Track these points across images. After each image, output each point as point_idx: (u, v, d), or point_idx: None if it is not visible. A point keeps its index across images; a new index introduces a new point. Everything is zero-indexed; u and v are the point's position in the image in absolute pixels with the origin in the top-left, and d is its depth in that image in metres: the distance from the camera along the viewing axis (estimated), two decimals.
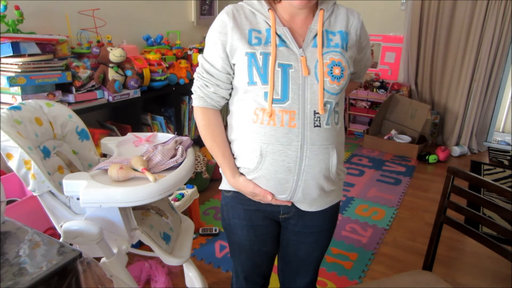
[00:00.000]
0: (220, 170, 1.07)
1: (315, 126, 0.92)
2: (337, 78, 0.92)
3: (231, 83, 1.00)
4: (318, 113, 0.92)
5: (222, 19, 0.95)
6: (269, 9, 0.95)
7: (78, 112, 1.55)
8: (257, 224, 1.11)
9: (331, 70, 0.92)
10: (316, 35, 0.94)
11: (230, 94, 1.03)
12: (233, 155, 1.04)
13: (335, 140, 0.97)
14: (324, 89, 0.91)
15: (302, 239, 1.13)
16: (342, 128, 1.02)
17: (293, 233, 1.13)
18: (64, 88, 1.93)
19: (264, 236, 1.14)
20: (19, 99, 1.72)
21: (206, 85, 0.99)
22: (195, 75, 1.03)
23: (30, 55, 1.75)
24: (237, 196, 1.08)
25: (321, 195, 1.01)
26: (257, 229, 1.12)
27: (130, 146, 1.41)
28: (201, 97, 1.01)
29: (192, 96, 1.05)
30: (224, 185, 1.11)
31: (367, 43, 1.06)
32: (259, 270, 1.24)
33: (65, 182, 1.08)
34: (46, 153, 1.28)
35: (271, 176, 0.95)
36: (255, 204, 1.07)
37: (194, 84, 1.03)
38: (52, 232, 1.65)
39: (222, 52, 0.95)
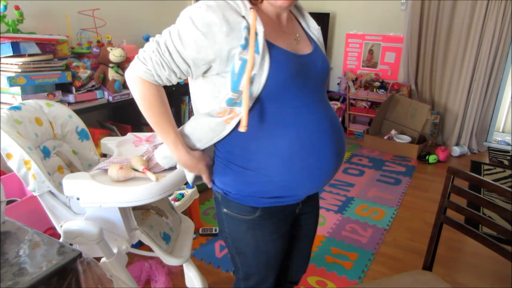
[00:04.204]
0: (165, 152, 1.06)
1: None
2: None
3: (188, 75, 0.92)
4: None
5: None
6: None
7: (78, 112, 1.55)
8: (284, 229, 1.05)
9: None
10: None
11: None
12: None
13: None
14: None
15: (306, 232, 1.16)
16: None
17: (301, 227, 1.15)
18: (64, 88, 1.93)
19: (287, 239, 1.09)
20: (19, 99, 1.72)
21: (162, 66, 0.87)
22: (150, 45, 0.88)
23: (30, 55, 1.75)
24: (267, 211, 0.98)
25: None
26: (285, 236, 1.06)
27: (130, 146, 1.41)
28: (149, 72, 0.88)
29: (135, 61, 0.89)
30: (243, 209, 0.99)
31: None
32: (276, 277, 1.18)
33: (65, 182, 1.08)
34: (46, 153, 1.28)
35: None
36: (283, 209, 1.00)
37: (145, 53, 0.88)
38: (52, 232, 1.65)
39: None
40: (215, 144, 0.97)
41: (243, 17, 0.83)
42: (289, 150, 0.89)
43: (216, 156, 0.99)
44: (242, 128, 0.85)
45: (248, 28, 0.82)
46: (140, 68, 0.88)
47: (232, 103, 0.87)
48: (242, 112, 0.85)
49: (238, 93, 0.85)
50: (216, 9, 0.81)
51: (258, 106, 0.88)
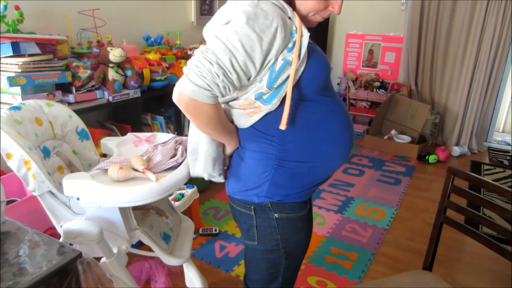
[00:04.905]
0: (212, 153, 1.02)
1: None
2: None
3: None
4: None
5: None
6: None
7: (78, 112, 1.55)
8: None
9: None
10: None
11: None
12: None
13: None
14: None
15: None
16: None
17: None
18: (64, 88, 1.92)
19: None
20: (19, 99, 1.72)
21: (229, 89, 0.85)
22: (211, 69, 0.81)
23: (30, 55, 1.75)
24: (309, 201, 1.08)
25: None
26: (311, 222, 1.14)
27: (130, 146, 1.41)
28: (214, 96, 0.84)
29: (194, 88, 0.81)
30: (298, 206, 1.02)
31: None
32: None
33: (65, 182, 1.08)
34: (46, 153, 1.28)
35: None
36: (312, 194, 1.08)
37: (207, 79, 0.81)
38: (52, 232, 1.65)
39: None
40: (257, 151, 0.98)
41: (290, 18, 0.87)
42: (336, 135, 0.98)
43: (262, 163, 0.98)
44: (283, 126, 0.89)
45: (296, 32, 0.86)
46: (204, 95, 0.83)
47: (260, 97, 0.90)
48: (284, 111, 0.88)
49: (271, 90, 0.88)
50: (274, 15, 0.83)
51: (316, 98, 0.93)
